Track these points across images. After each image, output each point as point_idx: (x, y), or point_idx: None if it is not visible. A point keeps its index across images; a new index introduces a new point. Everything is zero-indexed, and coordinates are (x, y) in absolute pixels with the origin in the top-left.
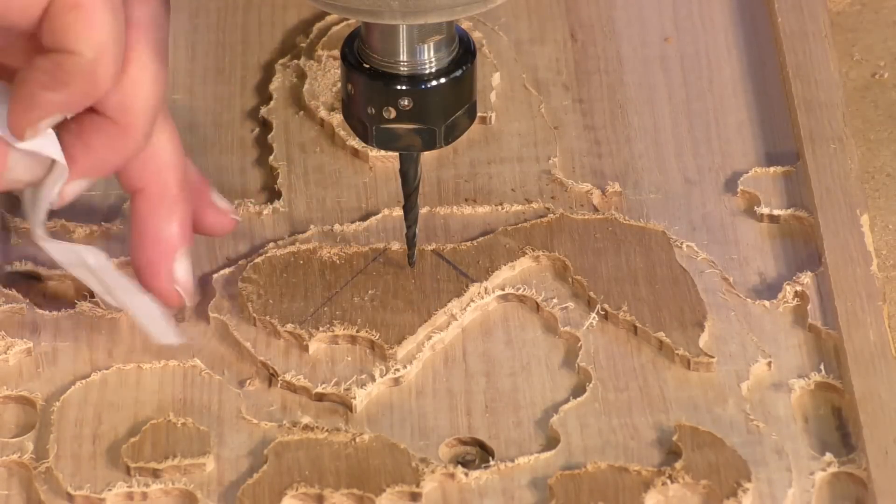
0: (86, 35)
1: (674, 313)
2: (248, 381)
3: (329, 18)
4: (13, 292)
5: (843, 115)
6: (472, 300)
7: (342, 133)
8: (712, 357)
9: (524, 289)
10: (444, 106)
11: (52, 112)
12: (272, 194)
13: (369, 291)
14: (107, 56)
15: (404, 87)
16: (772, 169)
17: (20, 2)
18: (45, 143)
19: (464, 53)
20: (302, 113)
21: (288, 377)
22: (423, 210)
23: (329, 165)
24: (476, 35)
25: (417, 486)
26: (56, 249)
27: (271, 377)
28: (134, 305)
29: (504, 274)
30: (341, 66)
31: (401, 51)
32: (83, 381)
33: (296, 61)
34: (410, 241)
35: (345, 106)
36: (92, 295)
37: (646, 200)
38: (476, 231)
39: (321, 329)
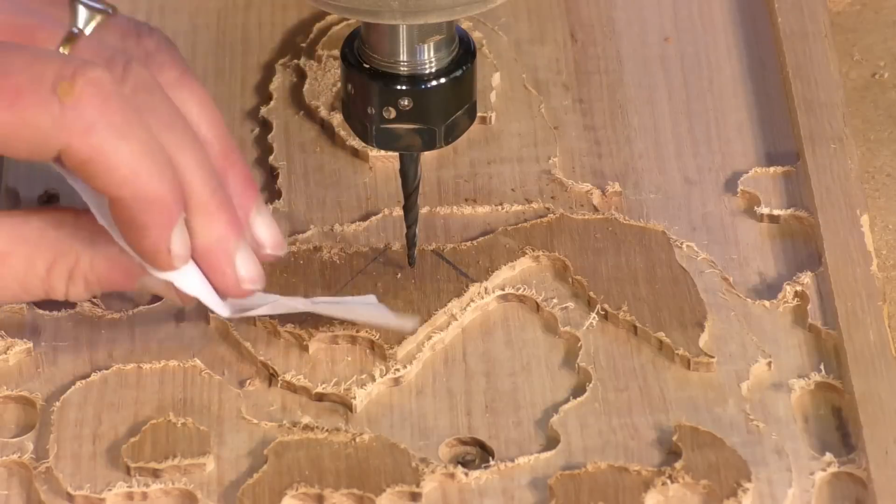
0: (113, 182)
1: (674, 313)
2: (248, 381)
3: (329, 18)
4: None
5: (843, 115)
6: (472, 300)
7: (342, 133)
8: (712, 357)
9: (524, 289)
10: (444, 106)
11: (160, 247)
12: (272, 194)
13: (369, 291)
14: (148, 183)
15: (404, 87)
16: (772, 169)
17: (25, 152)
18: (180, 277)
19: (464, 53)
20: (302, 113)
21: (288, 377)
22: (423, 210)
23: (329, 165)
24: (476, 35)
25: (417, 486)
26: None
27: (271, 377)
28: (358, 314)
29: (504, 274)
30: (341, 66)
31: (401, 51)
32: (83, 381)
33: (296, 61)
34: (410, 241)
35: (345, 106)
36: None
37: (646, 200)
38: (476, 231)
39: (321, 329)
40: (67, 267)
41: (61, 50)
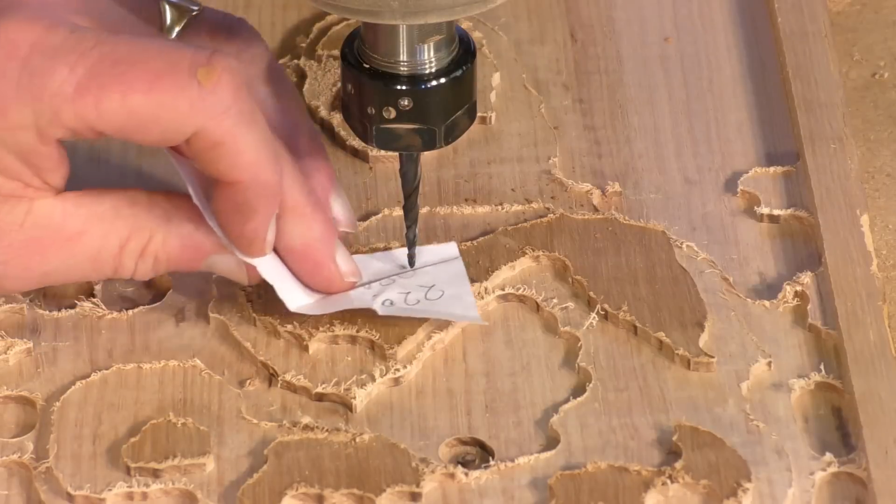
0: (237, 165)
1: (674, 313)
2: (248, 381)
3: (329, 18)
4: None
5: (843, 115)
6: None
7: (342, 133)
8: (712, 357)
9: (524, 289)
10: (444, 106)
11: (259, 233)
12: None
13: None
14: (266, 169)
15: (404, 87)
16: (772, 169)
17: (158, 136)
18: (264, 264)
19: (464, 53)
20: None
21: (288, 377)
22: (423, 210)
23: None
24: (476, 35)
25: (417, 486)
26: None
27: (271, 377)
28: (442, 310)
29: (504, 274)
30: (341, 66)
31: (401, 51)
32: (83, 381)
33: (296, 61)
34: (410, 241)
35: (345, 106)
36: (92, 294)
37: (646, 200)
38: (476, 231)
39: (321, 329)
40: (140, 244)
41: None
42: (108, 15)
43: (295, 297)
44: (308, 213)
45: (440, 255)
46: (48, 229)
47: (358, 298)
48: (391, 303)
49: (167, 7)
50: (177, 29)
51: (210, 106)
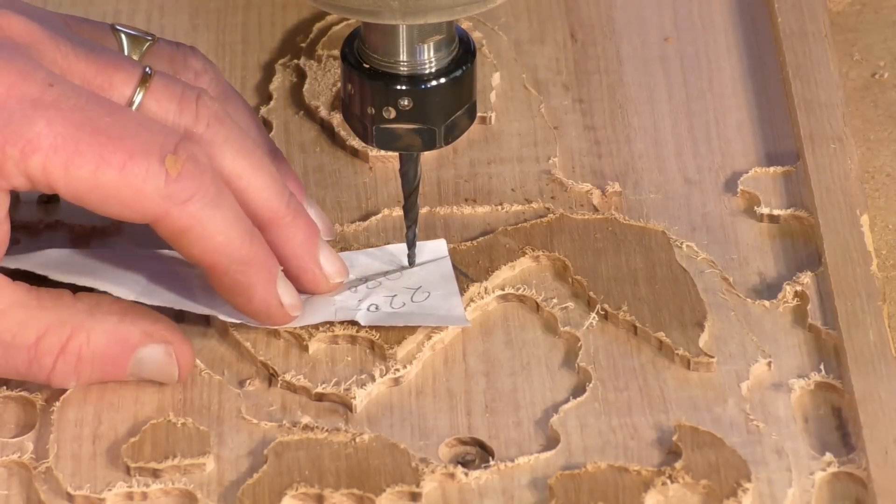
0: (208, 249)
1: (674, 313)
2: (248, 381)
3: (329, 18)
4: None
5: (843, 115)
6: (472, 300)
7: (342, 133)
8: (712, 357)
9: (524, 289)
10: (444, 106)
11: (271, 303)
12: None
13: None
14: (240, 247)
15: (404, 87)
16: (772, 169)
17: (115, 211)
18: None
19: (464, 53)
20: (302, 113)
21: (288, 377)
22: (423, 210)
23: (329, 165)
24: (476, 35)
25: (417, 486)
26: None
27: (271, 377)
28: (427, 313)
29: (504, 274)
30: (341, 66)
31: (401, 51)
32: None
33: (296, 61)
34: (411, 241)
35: (345, 106)
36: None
37: (646, 200)
38: (476, 231)
39: (321, 329)
40: (60, 340)
41: (138, 91)
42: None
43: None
44: (288, 221)
45: (430, 252)
46: None
47: (342, 305)
48: (376, 307)
49: (123, 37)
50: (135, 57)
51: (174, 193)
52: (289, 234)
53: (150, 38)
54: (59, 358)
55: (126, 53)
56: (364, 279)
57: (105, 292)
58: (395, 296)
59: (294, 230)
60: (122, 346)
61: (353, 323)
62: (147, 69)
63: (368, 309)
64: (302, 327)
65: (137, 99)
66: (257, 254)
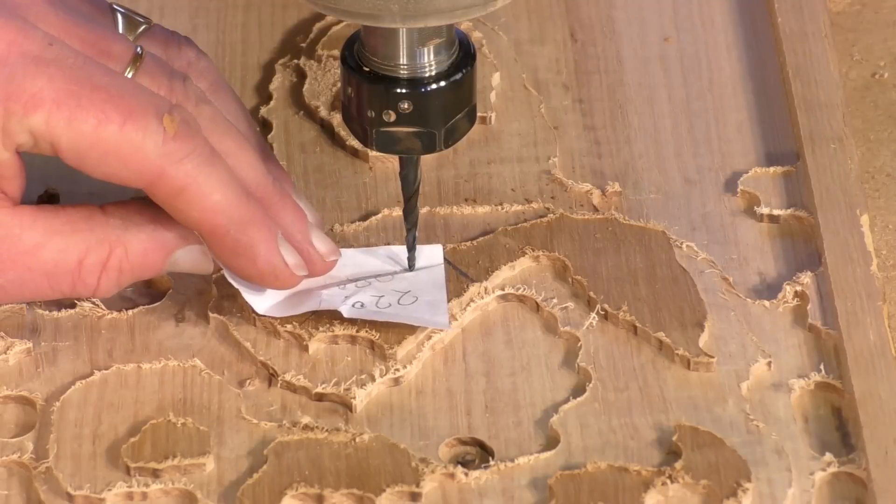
0: (207, 208)
1: (674, 313)
2: (248, 381)
3: (329, 19)
4: None
5: (843, 115)
6: (472, 300)
7: (342, 133)
8: (712, 357)
9: (524, 289)
10: (444, 109)
11: (275, 262)
12: None
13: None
14: (239, 205)
15: (404, 91)
16: (772, 169)
17: (112, 170)
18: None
19: (464, 56)
20: (302, 113)
21: (288, 377)
22: (423, 210)
23: (329, 165)
24: (476, 35)
25: (417, 486)
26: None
27: (271, 377)
28: (411, 314)
29: (504, 274)
30: (341, 69)
31: (401, 54)
32: (83, 381)
33: (296, 61)
34: (410, 244)
35: (345, 109)
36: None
37: (646, 200)
38: (476, 231)
39: (321, 329)
40: (101, 258)
41: (129, 70)
42: (76, 16)
43: (261, 300)
44: (276, 200)
45: (425, 258)
46: (4, 241)
47: (328, 299)
48: (361, 305)
49: (120, 17)
50: (130, 38)
51: (172, 151)
52: (279, 213)
53: (146, 22)
54: (102, 275)
55: (121, 32)
56: (354, 279)
57: (134, 200)
58: (382, 296)
59: (283, 210)
60: (160, 252)
61: (352, 322)
62: (139, 49)
63: (353, 305)
64: (302, 327)
65: (128, 76)
66: (256, 212)
